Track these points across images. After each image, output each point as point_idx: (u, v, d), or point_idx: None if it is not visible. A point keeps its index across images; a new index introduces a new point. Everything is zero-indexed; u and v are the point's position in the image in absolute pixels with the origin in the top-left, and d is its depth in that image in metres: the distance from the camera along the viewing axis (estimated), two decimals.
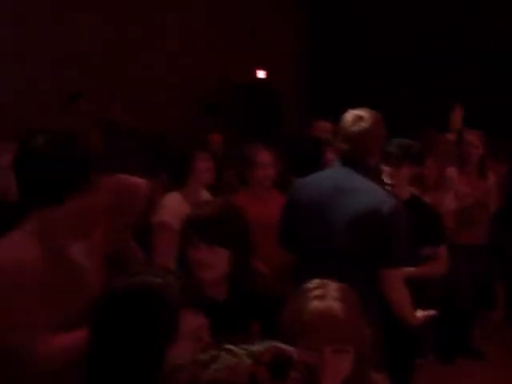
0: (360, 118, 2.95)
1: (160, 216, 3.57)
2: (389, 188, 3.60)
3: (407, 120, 8.32)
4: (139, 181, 3.23)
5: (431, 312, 2.98)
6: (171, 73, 8.54)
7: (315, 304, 1.79)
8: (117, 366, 1.52)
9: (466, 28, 9.28)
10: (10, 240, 1.96)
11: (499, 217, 5.52)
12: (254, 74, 10.20)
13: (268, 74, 10.24)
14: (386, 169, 3.68)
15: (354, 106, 3.05)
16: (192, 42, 8.80)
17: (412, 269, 3.41)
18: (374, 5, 9.95)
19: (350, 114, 2.98)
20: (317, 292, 1.82)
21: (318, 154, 4.42)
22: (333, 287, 1.85)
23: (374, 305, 2.79)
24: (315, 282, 1.88)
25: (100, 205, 2.08)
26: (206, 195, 3.92)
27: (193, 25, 8.89)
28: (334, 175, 3.02)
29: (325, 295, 1.81)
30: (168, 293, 1.58)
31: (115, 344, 1.53)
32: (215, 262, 2.20)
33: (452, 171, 5.17)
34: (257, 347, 1.16)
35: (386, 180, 3.71)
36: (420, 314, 2.97)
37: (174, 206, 3.55)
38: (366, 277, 2.83)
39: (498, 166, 5.82)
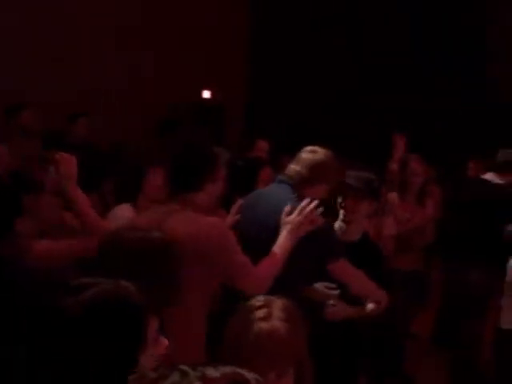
0: (315, 150, 3.33)
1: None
2: (343, 225, 3.58)
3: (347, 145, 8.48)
4: None
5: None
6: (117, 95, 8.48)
7: (260, 326, 1.74)
8: (90, 377, 1.49)
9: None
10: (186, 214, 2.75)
11: (437, 244, 5.67)
12: (200, 93, 10.19)
13: (214, 94, 10.24)
14: (344, 203, 3.54)
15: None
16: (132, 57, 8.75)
17: (352, 309, 3.45)
18: (314, 29, 10.11)
19: (309, 147, 3.35)
20: (261, 313, 1.77)
21: (254, 174, 4.61)
22: (277, 306, 1.80)
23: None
24: (259, 299, 1.84)
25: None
26: None
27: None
28: (267, 192, 3.37)
29: (269, 315, 1.76)
30: (134, 297, 1.56)
31: (87, 358, 1.49)
32: None
33: (393, 197, 5.29)
34: (214, 372, 1.13)
35: (343, 215, 3.59)
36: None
37: (127, 217, 3.53)
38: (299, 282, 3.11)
39: (439, 192, 5.98)
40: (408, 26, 9.58)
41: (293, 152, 3.46)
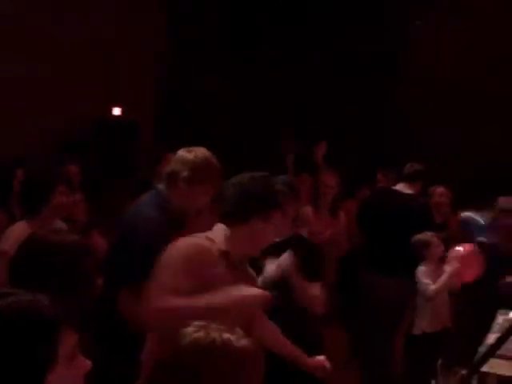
0: (190, 150, 3.16)
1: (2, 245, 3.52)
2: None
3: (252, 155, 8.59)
4: None
5: None
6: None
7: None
8: None
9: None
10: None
11: (351, 256, 5.76)
12: (110, 110, 10.04)
13: (124, 111, 10.11)
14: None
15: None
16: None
17: None
18: (230, 47, 10.20)
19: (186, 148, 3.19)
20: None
21: None
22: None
23: None
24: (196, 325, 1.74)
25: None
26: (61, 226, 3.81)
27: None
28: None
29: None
30: (45, 310, 1.45)
31: None
32: None
33: (307, 210, 5.35)
34: None
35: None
36: None
37: (17, 236, 3.42)
38: None
39: (351, 204, 6.11)
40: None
41: None
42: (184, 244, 2.56)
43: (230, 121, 9.93)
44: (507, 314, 3.68)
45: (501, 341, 1.24)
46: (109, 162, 9.28)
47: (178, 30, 10.40)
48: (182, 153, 3.16)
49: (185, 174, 3.09)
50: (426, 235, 4.87)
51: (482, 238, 5.31)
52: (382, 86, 9.55)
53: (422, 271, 4.81)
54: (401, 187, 5.44)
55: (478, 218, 5.65)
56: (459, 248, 4.80)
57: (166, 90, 10.54)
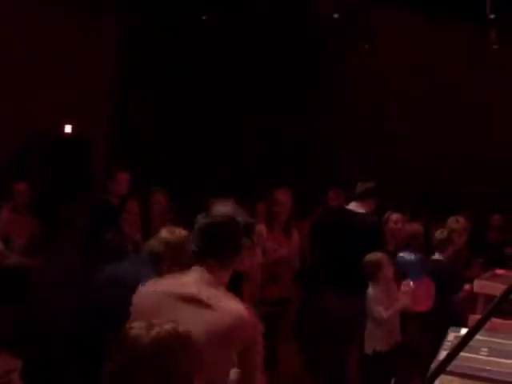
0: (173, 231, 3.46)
1: None
2: None
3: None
4: None
5: None
6: None
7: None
8: None
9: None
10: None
11: (303, 273, 5.76)
12: (61, 128, 9.89)
13: (76, 129, 9.97)
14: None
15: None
16: None
17: None
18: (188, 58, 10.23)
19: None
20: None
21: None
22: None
23: None
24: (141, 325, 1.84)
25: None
26: None
27: None
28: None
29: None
30: None
31: None
32: None
33: (261, 228, 5.34)
34: None
35: None
36: None
37: None
38: None
39: (303, 223, 6.11)
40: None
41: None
42: None
43: (185, 134, 9.92)
44: (458, 332, 3.69)
45: (451, 356, 1.24)
46: (59, 178, 9.13)
47: (132, 50, 10.34)
48: (164, 234, 3.43)
49: (168, 256, 3.33)
50: (376, 256, 4.86)
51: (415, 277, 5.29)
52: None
53: (372, 295, 4.82)
54: (353, 206, 5.44)
55: (410, 256, 5.67)
56: (411, 281, 4.84)
57: (117, 105, 10.44)
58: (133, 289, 2.87)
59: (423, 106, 9.62)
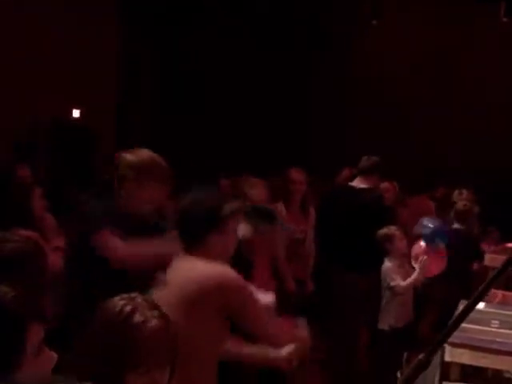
0: (134, 152, 3.28)
1: None
2: None
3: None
4: None
5: None
6: None
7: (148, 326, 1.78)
8: None
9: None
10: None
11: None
12: (70, 112, 9.94)
13: (84, 113, 10.00)
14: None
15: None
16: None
17: None
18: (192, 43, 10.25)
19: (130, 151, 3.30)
20: (138, 316, 1.79)
21: None
22: (145, 306, 1.84)
23: None
24: (124, 298, 1.84)
25: None
26: None
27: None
28: None
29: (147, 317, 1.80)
30: (10, 304, 1.44)
31: None
32: None
33: (279, 206, 5.33)
34: None
35: None
36: None
37: None
38: None
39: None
40: None
41: None
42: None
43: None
44: None
45: (451, 328, 1.27)
46: (66, 164, 9.19)
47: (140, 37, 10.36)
48: (125, 156, 3.27)
49: (131, 176, 3.21)
50: (390, 229, 4.90)
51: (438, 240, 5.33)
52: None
53: (388, 267, 4.85)
54: (357, 182, 5.42)
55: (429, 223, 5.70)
56: (422, 243, 4.85)
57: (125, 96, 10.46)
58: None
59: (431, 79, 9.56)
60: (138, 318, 1.75)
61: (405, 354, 4.69)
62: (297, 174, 5.43)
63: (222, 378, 2.67)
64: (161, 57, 10.31)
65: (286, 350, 2.71)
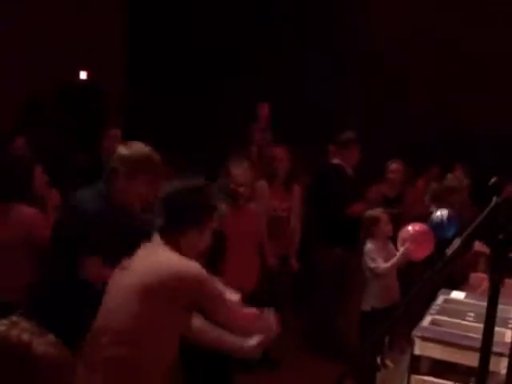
0: (127, 146, 3.34)
1: None
2: None
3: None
4: None
5: None
6: None
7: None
8: None
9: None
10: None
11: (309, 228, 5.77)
12: (77, 74, 9.90)
13: (91, 75, 9.97)
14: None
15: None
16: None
17: None
18: (201, 6, 10.06)
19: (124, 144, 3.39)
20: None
21: None
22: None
23: None
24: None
25: None
26: None
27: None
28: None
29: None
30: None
31: None
32: None
33: (263, 184, 5.31)
34: None
35: None
36: None
37: None
38: None
39: (305, 177, 6.07)
40: None
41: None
42: None
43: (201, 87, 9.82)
44: (448, 294, 3.65)
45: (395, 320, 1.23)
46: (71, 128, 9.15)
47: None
48: (119, 150, 3.32)
49: (122, 171, 3.25)
50: (376, 212, 4.87)
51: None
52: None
53: (370, 248, 4.80)
54: (336, 158, 5.60)
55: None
56: (410, 228, 4.75)
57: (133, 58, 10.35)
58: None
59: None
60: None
61: (386, 339, 4.64)
62: (280, 152, 5.38)
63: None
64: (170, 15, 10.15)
65: (252, 341, 2.80)
